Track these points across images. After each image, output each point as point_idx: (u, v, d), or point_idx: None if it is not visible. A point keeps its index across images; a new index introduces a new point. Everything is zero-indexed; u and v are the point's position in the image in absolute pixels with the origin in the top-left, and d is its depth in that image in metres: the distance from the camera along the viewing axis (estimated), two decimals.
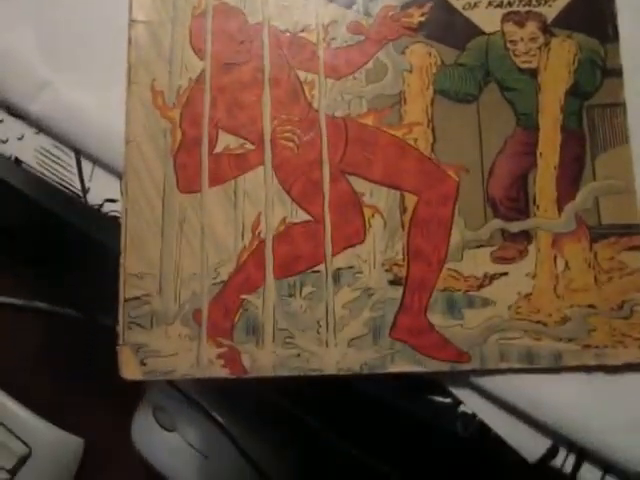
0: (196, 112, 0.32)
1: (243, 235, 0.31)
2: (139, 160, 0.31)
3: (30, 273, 0.51)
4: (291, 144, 0.31)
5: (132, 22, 0.33)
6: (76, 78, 0.33)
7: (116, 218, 0.32)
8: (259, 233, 0.31)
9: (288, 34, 0.32)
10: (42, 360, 0.49)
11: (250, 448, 0.46)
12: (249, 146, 0.31)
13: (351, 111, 0.31)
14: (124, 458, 0.47)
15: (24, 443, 0.47)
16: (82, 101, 0.33)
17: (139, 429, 0.48)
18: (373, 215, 0.31)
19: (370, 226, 0.30)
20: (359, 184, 0.31)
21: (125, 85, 0.32)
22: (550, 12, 0.32)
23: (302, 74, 0.32)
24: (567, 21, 0.31)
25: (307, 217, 0.31)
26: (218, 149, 0.32)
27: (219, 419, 0.46)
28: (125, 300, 0.30)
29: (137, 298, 0.30)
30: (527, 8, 0.32)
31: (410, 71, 0.32)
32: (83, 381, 0.50)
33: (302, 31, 0.32)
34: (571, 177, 0.30)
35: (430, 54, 0.32)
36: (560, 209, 0.30)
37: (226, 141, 0.32)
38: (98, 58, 0.33)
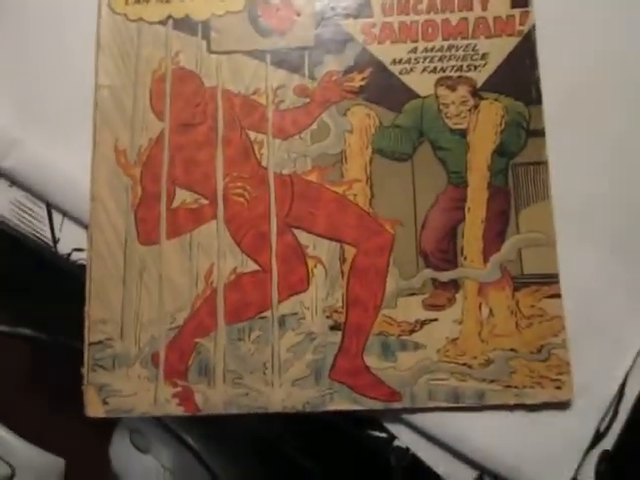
0: (155, 170, 0.35)
1: (197, 284, 0.34)
2: (103, 215, 0.34)
3: (13, 300, 0.54)
4: (242, 199, 0.34)
5: (98, 87, 0.36)
6: (46, 136, 0.36)
7: (84, 266, 0.35)
8: (211, 282, 0.34)
9: (240, 96, 0.35)
10: (24, 383, 0.52)
11: (219, 470, 0.48)
12: (203, 201, 0.34)
13: (297, 168, 0.34)
14: (104, 478, 0.50)
15: (7, 464, 0.50)
16: (51, 158, 0.36)
17: (116, 450, 0.51)
18: (316, 265, 0.33)
19: (313, 275, 0.33)
20: (303, 237, 0.34)
21: (91, 145, 0.35)
22: (480, 77, 0.34)
23: (252, 134, 0.35)
24: (495, 85, 0.34)
25: (256, 267, 0.34)
26: (175, 204, 0.34)
27: (190, 442, 0.49)
28: (89, 344, 0.33)
29: (100, 342, 0.33)
30: (459, 73, 0.34)
31: (351, 132, 0.34)
32: (64, 403, 0.53)
33: (253, 94, 0.35)
34: (497, 230, 0.33)
35: (369, 116, 0.34)
36: (486, 260, 0.33)
37: (182, 196, 0.34)
38: (67, 117, 0.36)
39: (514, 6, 0.35)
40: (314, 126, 0.35)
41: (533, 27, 0.35)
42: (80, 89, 0.36)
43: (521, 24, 0.35)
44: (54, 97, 0.37)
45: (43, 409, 0.52)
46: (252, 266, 0.34)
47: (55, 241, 0.36)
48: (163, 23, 0.36)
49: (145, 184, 0.35)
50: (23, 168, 0.36)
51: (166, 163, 0.35)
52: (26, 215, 0.36)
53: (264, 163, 0.34)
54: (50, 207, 0.36)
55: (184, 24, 0.36)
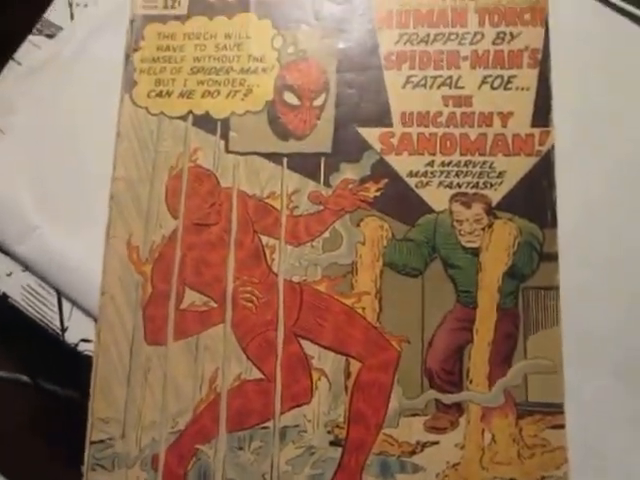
0: (166, 268, 0.35)
1: (201, 388, 0.34)
2: (112, 310, 0.35)
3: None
4: (250, 304, 0.34)
5: (114, 179, 0.36)
6: (62, 226, 0.37)
7: (90, 357, 0.35)
8: (215, 387, 0.34)
9: (255, 199, 0.35)
10: (22, 430, 0.52)
11: None
12: (212, 304, 0.34)
13: (307, 277, 0.34)
14: None
15: None
16: (65, 248, 0.36)
17: None
18: (320, 378, 0.33)
19: (317, 388, 0.33)
20: (309, 347, 0.34)
21: (104, 238, 0.35)
22: (495, 195, 0.34)
23: (265, 238, 0.35)
24: (510, 205, 0.34)
25: (260, 375, 0.34)
26: (184, 305, 0.35)
27: None
28: (91, 442, 0.33)
29: (102, 441, 0.33)
30: (474, 190, 0.34)
31: (363, 243, 0.34)
32: (48, 449, 0.53)
33: (268, 197, 0.35)
34: (504, 354, 0.33)
35: (382, 227, 0.34)
36: (491, 384, 0.33)
37: (192, 297, 0.35)
38: (83, 208, 0.37)
39: (534, 125, 0.35)
40: (326, 234, 0.35)
41: (552, 148, 0.34)
42: (97, 180, 0.36)
43: (540, 144, 0.35)
44: (71, 186, 0.37)
45: (26, 455, 0.52)
46: (256, 373, 0.34)
47: (63, 329, 0.36)
48: (183, 119, 0.37)
49: (155, 282, 0.35)
50: (37, 255, 0.36)
51: (177, 262, 0.35)
52: (36, 301, 0.37)
53: (275, 269, 0.34)
54: (60, 295, 0.36)
55: (204, 121, 0.36)
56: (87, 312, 0.36)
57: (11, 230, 0.37)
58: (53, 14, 0.39)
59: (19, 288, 0.37)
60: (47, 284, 0.36)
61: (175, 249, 0.35)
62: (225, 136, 0.36)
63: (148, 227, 0.35)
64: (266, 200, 0.35)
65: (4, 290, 0.37)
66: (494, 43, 0.36)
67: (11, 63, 0.39)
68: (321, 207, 0.35)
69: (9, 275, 0.37)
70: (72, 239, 0.36)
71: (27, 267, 0.37)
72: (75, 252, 0.36)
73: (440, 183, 0.35)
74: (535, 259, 0.34)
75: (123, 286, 0.35)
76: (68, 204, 0.37)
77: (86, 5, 0.39)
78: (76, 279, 0.36)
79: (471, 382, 0.33)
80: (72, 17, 0.39)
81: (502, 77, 0.35)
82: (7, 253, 0.37)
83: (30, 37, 0.39)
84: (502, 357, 0.33)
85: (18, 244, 0.37)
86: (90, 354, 0.35)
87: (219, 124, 0.36)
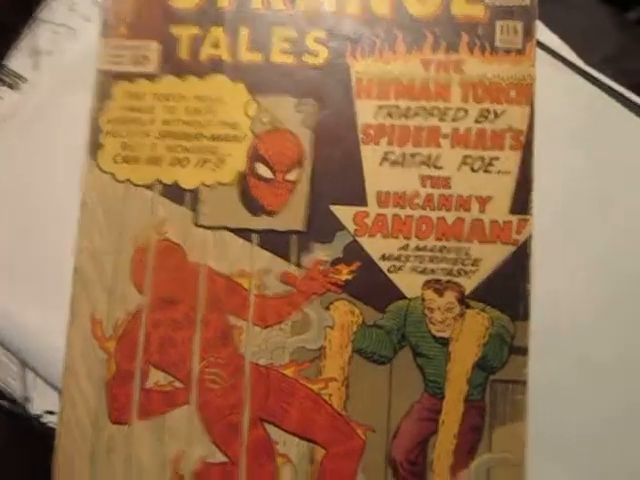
0: (131, 346, 0.34)
1: (165, 469, 0.33)
2: (75, 386, 0.34)
3: None
4: (216, 386, 0.34)
5: (78, 250, 0.35)
6: (23, 294, 0.36)
7: (54, 429, 0.35)
8: (179, 469, 0.33)
9: (224, 277, 0.34)
10: None
11: None
12: (177, 384, 0.34)
13: (274, 360, 0.34)
14: None
15: None
16: (27, 318, 0.35)
17: None
18: (284, 463, 0.33)
19: (281, 473, 0.33)
20: (274, 432, 0.33)
21: (68, 310, 0.34)
22: (469, 284, 0.34)
23: (232, 318, 0.34)
24: (483, 294, 0.33)
25: (224, 458, 0.33)
26: (149, 384, 0.34)
27: None
28: None
29: None
30: (448, 277, 0.34)
31: (332, 327, 0.34)
32: None
33: (237, 275, 0.34)
34: (468, 446, 0.33)
35: (353, 312, 0.34)
36: (454, 476, 0.33)
37: (156, 376, 0.34)
38: (45, 278, 0.36)
39: (513, 212, 0.34)
40: (295, 317, 0.34)
41: (529, 237, 0.34)
42: (61, 249, 0.35)
43: (518, 232, 0.34)
44: (34, 255, 0.36)
45: None
46: (221, 457, 0.33)
47: (27, 400, 0.36)
48: (151, 188, 0.35)
49: (119, 360, 0.34)
50: (0, 324, 0.36)
51: (142, 340, 0.34)
52: (0, 370, 0.36)
53: (242, 350, 0.34)
54: (24, 365, 0.36)
55: (172, 191, 0.35)
56: (51, 385, 0.35)
57: None
58: (16, 61, 0.37)
59: None
60: (10, 353, 0.36)
61: (140, 327, 0.34)
62: (194, 208, 0.35)
63: (113, 301, 0.34)
64: (235, 278, 0.34)
65: None
66: (477, 121, 0.34)
67: None
68: (291, 288, 0.34)
69: None
70: (35, 309, 0.35)
71: None
72: (37, 323, 0.35)
73: (413, 268, 0.34)
74: (505, 352, 0.33)
75: (87, 362, 0.34)
76: (30, 273, 0.36)
77: (51, 53, 0.37)
78: (39, 350, 0.35)
79: (434, 473, 0.33)
80: (36, 67, 0.37)
81: (483, 159, 0.34)
82: None
83: None
84: (467, 449, 0.33)
85: None
86: (54, 426, 0.35)
87: (188, 195, 0.35)
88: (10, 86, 0.37)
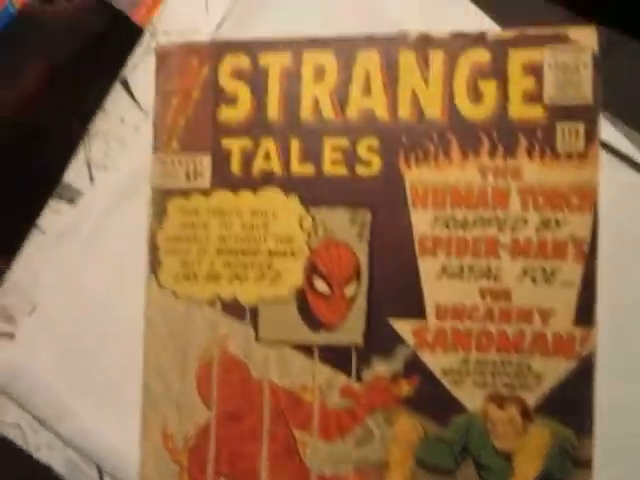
0: (202, 459, 0.36)
1: None
2: None
3: None
4: None
5: (145, 368, 0.36)
6: (97, 411, 0.37)
7: None
8: None
9: (287, 392, 0.35)
10: None
11: None
12: None
13: (339, 471, 0.35)
14: None
15: None
16: (103, 431, 0.37)
17: None
18: None
19: None
20: None
21: (140, 422, 0.36)
22: (531, 398, 0.33)
23: (297, 432, 0.35)
24: (547, 409, 0.33)
25: None
26: None
27: None
28: None
29: None
30: (510, 391, 0.34)
31: (394, 440, 0.34)
32: None
33: (300, 389, 0.35)
34: None
35: (414, 426, 0.34)
36: None
37: None
38: (116, 394, 0.37)
39: (576, 324, 0.33)
40: (358, 430, 0.35)
41: (594, 350, 0.33)
42: (129, 366, 0.36)
43: (581, 345, 0.33)
44: (105, 371, 0.37)
45: None
46: None
47: None
48: (211, 304, 0.36)
49: (192, 472, 0.36)
50: (75, 434, 0.37)
51: (212, 453, 0.36)
52: (79, 475, 0.38)
53: (307, 463, 0.35)
54: (101, 472, 0.38)
55: (232, 307, 0.36)
56: None
57: (49, 411, 0.38)
58: (72, 176, 0.38)
59: (63, 461, 0.38)
60: (88, 460, 0.38)
61: (209, 440, 0.36)
62: (254, 324, 0.35)
63: (182, 415, 0.36)
64: (298, 393, 0.35)
65: (49, 462, 0.38)
66: (537, 230, 0.34)
67: (34, 230, 0.38)
68: (353, 402, 0.35)
69: (51, 448, 0.38)
70: (108, 423, 0.37)
71: (68, 445, 0.38)
72: (112, 434, 0.37)
73: (474, 382, 0.34)
74: (568, 466, 0.33)
75: (160, 474, 0.36)
76: (101, 389, 0.37)
77: (106, 167, 0.38)
78: (115, 458, 0.37)
79: None
80: (91, 179, 0.38)
81: (544, 270, 0.33)
82: (49, 429, 0.38)
83: (50, 202, 0.38)
84: None
85: (58, 422, 0.38)
86: None
87: (248, 310, 0.36)
88: (69, 201, 0.38)
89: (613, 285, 0.33)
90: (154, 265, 0.36)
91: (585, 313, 0.33)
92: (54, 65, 0.36)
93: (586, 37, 0.34)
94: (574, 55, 0.34)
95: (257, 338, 0.35)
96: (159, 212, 0.36)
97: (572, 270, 0.33)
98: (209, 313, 0.36)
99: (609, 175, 0.33)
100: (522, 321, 0.34)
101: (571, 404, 0.33)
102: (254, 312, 0.36)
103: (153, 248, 0.36)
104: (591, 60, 0.33)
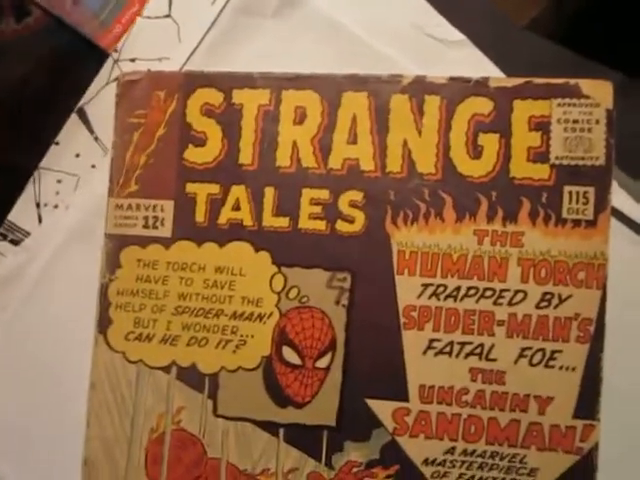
0: None
1: None
2: None
3: None
4: None
5: (88, 438, 0.32)
6: None
7: None
8: None
9: (246, 475, 0.31)
10: None
11: None
12: None
13: None
14: None
15: None
16: None
17: None
18: None
19: None
20: None
21: None
22: None
23: None
24: None
25: None
26: None
27: None
28: None
29: None
30: None
31: None
32: None
33: (261, 473, 0.31)
34: None
35: None
36: None
37: None
38: (52, 460, 0.33)
39: (577, 416, 0.29)
40: None
41: (596, 446, 0.29)
42: (69, 435, 0.32)
43: (582, 440, 0.29)
44: (42, 442, 0.33)
45: None
46: None
47: None
48: (166, 370, 0.31)
49: None
50: None
51: None
52: None
53: None
54: None
55: (189, 375, 0.31)
56: None
57: None
58: (18, 215, 0.34)
59: None
60: None
61: None
62: (214, 396, 0.31)
63: None
64: (258, 478, 0.31)
65: None
66: (538, 307, 0.30)
67: None
68: None
69: None
70: None
71: None
72: None
73: (460, 475, 0.30)
74: None
75: None
76: (36, 462, 0.33)
77: (56, 206, 0.33)
78: None
79: None
80: (40, 220, 0.34)
81: (544, 351, 0.29)
82: None
83: None
84: None
85: None
86: None
87: (207, 380, 0.31)
88: (13, 242, 0.33)
89: (621, 372, 0.29)
90: (103, 322, 0.32)
91: (588, 403, 0.29)
92: (1, 92, 0.32)
93: (600, 91, 0.30)
94: (586, 110, 0.30)
95: (215, 412, 0.31)
96: (112, 262, 0.32)
97: (575, 353, 0.29)
98: (163, 380, 0.31)
99: (621, 247, 0.30)
100: (517, 409, 0.30)
101: None
102: (214, 382, 0.31)
103: (103, 303, 0.32)
104: (605, 117, 0.30)
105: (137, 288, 0.32)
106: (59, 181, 0.33)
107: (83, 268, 0.32)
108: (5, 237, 0.34)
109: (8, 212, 0.33)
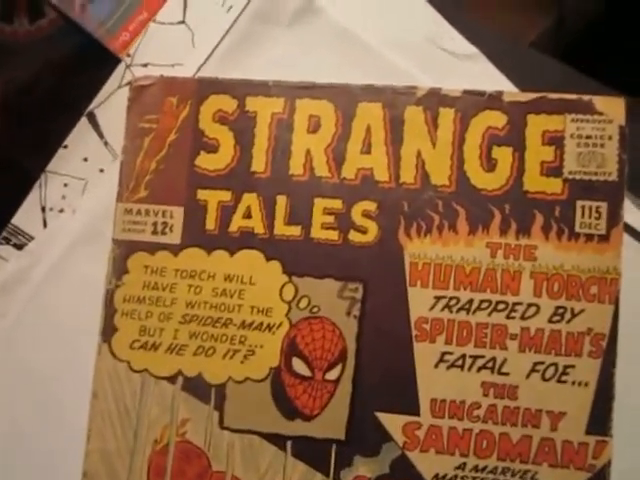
0: None
1: None
2: None
3: None
4: None
5: (88, 451, 0.31)
6: None
7: None
8: None
9: None
10: None
11: None
12: None
13: None
14: None
15: None
16: None
17: None
18: None
19: None
20: None
21: None
22: None
23: None
24: None
25: None
26: None
27: None
28: None
29: None
30: None
31: None
32: None
33: None
34: None
35: None
36: None
37: None
38: (52, 473, 0.32)
39: (589, 432, 0.29)
40: None
41: (608, 463, 0.29)
42: (70, 448, 0.31)
43: (594, 457, 0.29)
44: (42, 453, 0.32)
45: None
46: None
47: None
48: (171, 380, 0.31)
49: None
50: None
51: None
52: None
53: None
54: None
55: (195, 386, 0.31)
56: None
57: None
58: (22, 219, 0.33)
59: None
60: None
61: None
62: (220, 407, 0.30)
63: None
64: None
65: None
66: (550, 321, 0.30)
67: None
68: None
69: None
70: None
71: None
72: None
73: None
74: None
75: None
76: (38, 473, 0.32)
77: (61, 210, 0.33)
78: None
79: None
80: (45, 224, 0.33)
81: (556, 366, 0.29)
82: None
83: None
84: None
85: None
86: None
87: (213, 391, 0.31)
88: (16, 246, 0.33)
89: (633, 387, 0.29)
90: (108, 329, 0.31)
91: (600, 419, 0.29)
92: (10, 92, 0.31)
93: (613, 108, 0.30)
94: (599, 126, 0.30)
95: (222, 424, 0.30)
96: (119, 267, 0.31)
97: (588, 368, 0.29)
98: (168, 391, 0.31)
99: (633, 262, 0.30)
100: (529, 424, 0.29)
101: None
102: (220, 393, 0.30)
103: (108, 309, 0.31)
104: (618, 133, 0.30)
105: (144, 295, 0.31)
106: (65, 185, 0.33)
107: (88, 273, 0.32)
108: (8, 241, 0.33)
109: (12, 215, 0.32)
